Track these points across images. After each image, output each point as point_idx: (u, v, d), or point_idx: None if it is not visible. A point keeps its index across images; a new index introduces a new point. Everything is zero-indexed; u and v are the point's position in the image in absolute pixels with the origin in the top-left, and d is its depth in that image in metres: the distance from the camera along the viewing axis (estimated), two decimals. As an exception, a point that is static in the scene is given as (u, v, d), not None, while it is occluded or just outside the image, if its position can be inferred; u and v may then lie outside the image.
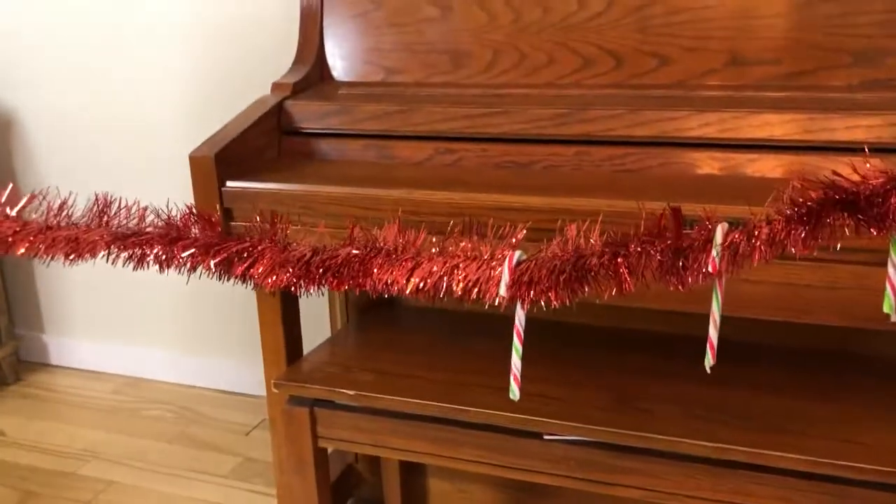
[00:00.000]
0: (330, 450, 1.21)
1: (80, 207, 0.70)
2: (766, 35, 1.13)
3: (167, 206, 0.72)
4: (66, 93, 1.98)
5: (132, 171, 1.94)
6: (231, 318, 2.01)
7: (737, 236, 0.56)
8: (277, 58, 1.55)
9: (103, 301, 2.15)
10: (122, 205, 0.68)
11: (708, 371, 0.61)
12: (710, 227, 0.57)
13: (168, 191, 0.99)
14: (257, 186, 1.11)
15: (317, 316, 1.52)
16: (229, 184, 1.12)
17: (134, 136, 1.94)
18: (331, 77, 1.35)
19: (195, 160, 1.11)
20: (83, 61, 1.94)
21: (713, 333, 0.60)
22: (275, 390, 1.13)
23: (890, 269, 0.56)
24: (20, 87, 2.02)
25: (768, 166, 1.03)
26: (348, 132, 1.22)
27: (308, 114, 1.24)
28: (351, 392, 1.08)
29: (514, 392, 0.63)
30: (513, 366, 0.63)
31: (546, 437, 1.03)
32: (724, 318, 0.90)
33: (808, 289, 0.91)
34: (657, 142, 1.08)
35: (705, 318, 1.23)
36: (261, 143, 1.21)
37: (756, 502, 0.94)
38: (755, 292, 0.94)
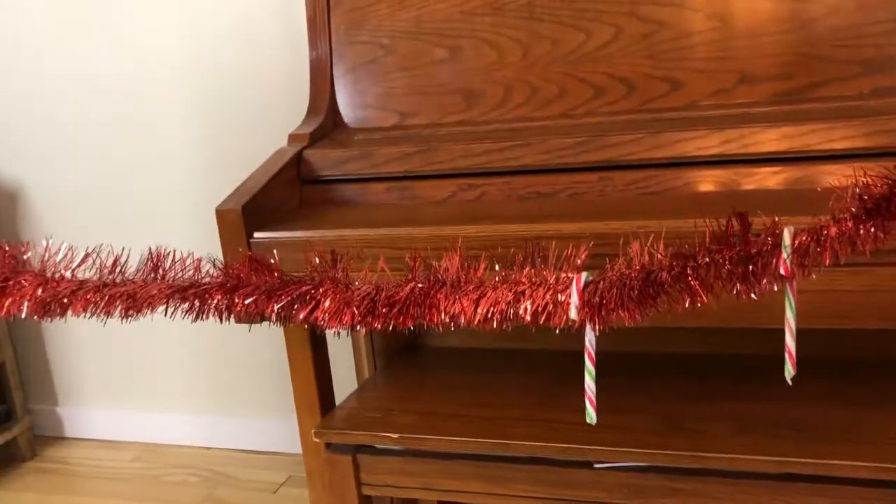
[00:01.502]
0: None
1: (131, 263, 0.70)
2: (774, 52, 1.15)
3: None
4: (74, 163, 1.98)
5: (145, 235, 1.94)
6: (249, 376, 2.00)
7: (805, 238, 0.56)
8: (284, 111, 1.58)
9: (116, 368, 2.13)
10: (176, 257, 0.67)
11: (789, 382, 0.60)
12: (776, 232, 0.57)
13: (189, 243, 0.99)
14: (286, 235, 1.11)
15: (341, 367, 1.51)
16: (257, 235, 1.12)
17: (145, 200, 1.95)
18: (344, 125, 1.36)
19: (222, 213, 1.11)
20: (90, 133, 1.95)
21: (790, 342, 0.59)
22: (315, 439, 1.12)
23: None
24: (26, 158, 2.03)
25: (792, 178, 1.04)
26: (369, 176, 1.23)
27: (328, 161, 1.24)
28: (395, 435, 1.07)
29: (591, 415, 0.63)
30: (587, 388, 0.63)
31: (596, 465, 1.02)
32: (767, 333, 0.91)
33: (849, 294, 0.91)
34: (679, 162, 1.09)
35: (739, 337, 1.23)
36: (284, 194, 1.21)
37: (819, 514, 0.93)
38: (797, 302, 0.94)
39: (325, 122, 1.34)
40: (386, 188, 1.23)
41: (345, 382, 1.42)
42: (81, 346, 2.14)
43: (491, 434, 1.05)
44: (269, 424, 1.99)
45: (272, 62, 1.73)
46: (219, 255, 1.15)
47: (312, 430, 1.13)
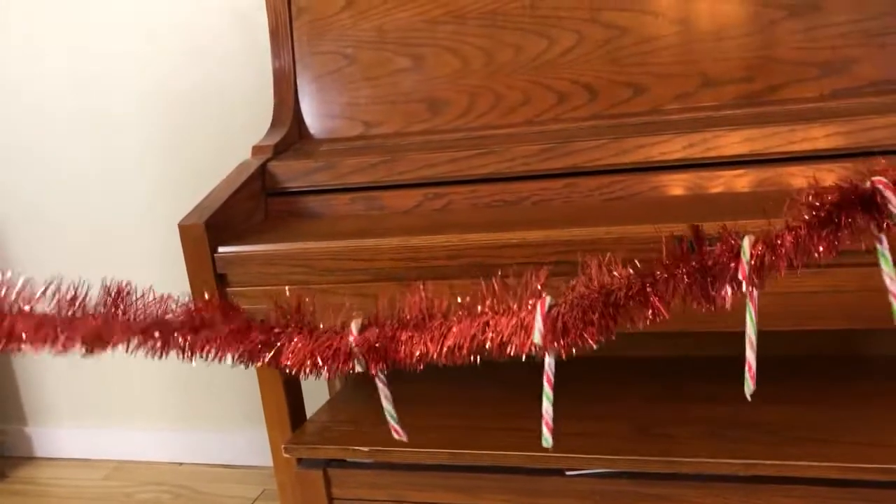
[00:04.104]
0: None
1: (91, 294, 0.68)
2: (734, 56, 1.16)
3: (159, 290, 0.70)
4: (39, 171, 1.95)
5: (107, 254, 1.91)
6: (220, 390, 1.97)
7: (761, 248, 0.56)
8: (248, 123, 1.56)
9: (85, 386, 2.09)
10: (138, 294, 0.65)
11: (748, 398, 0.60)
12: (732, 242, 0.57)
13: (156, 266, 0.97)
14: (250, 249, 1.10)
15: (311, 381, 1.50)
16: (221, 249, 1.11)
17: (105, 218, 1.91)
18: (309, 136, 1.35)
19: (185, 229, 1.10)
20: (58, 142, 1.92)
21: (750, 355, 0.59)
22: (285, 455, 1.10)
23: (886, 280, 0.57)
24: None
25: (756, 180, 1.05)
26: (334, 187, 1.22)
27: (292, 173, 1.23)
28: (366, 449, 1.06)
29: (547, 439, 0.62)
30: (544, 412, 0.62)
31: (568, 472, 1.02)
32: (727, 336, 0.91)
33: (813, 295, 0.92)
34: (643, 167, 1.10)
35: (710, 339, 1.23)
36: (248, 207, 1.20)
37: (788, 515, 0.94)
38: (760, 304, 0.94)
39: (290, 134, 1.33)
40: (351, 199, 1.22)
41: (316, 392, 1.40)
42: (49, 364, 2.10)
43: (461, 444, 1.04)
44: (242, 438, 1.96)
45: (234, 74, 1.72)
46: (184, 271, 1.14)
47: (283, 446, 1.12)
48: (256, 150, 1.28)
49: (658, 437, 1.01)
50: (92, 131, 1.87)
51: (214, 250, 1.11)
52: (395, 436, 0.67)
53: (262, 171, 1.24)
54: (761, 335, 0.99)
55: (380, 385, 0.65)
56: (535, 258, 0.97)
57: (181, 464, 2.03)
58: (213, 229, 1.11)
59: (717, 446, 0.97)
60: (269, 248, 1.09)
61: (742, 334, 0.79)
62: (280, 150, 1.28)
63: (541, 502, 1.03)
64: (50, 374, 2.11)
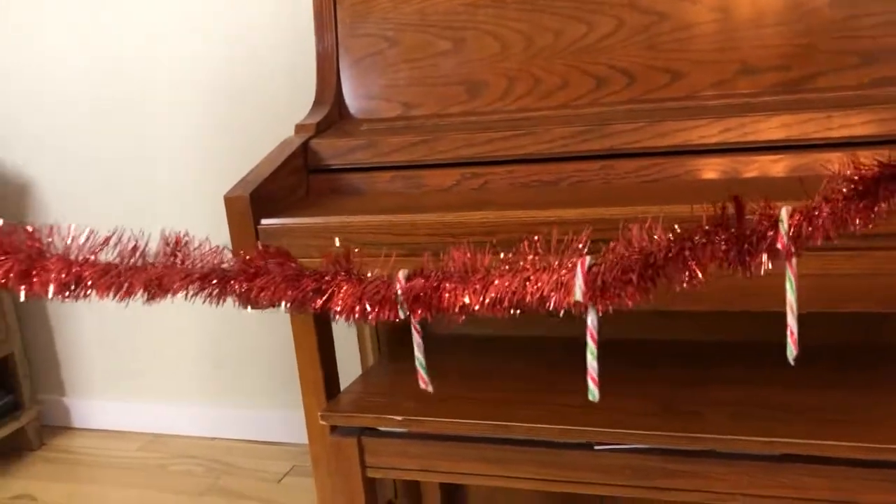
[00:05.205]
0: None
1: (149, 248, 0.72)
2: (773, 43, 1.17)
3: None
4: (81, 154, 2.00)
5: (151, 225, 1.95)
6: (253, 367, 2.02)
7: (798, 217, 0.58)
8: (289, 103, 1.59)
9: (122, 360, 2.15)
10: (196, 244, 0.69)
11: (791, 362, 0.62)
12: (771, 213, 0.59)
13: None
14: (292, 221, 1.13)
15: (345, 357, 1.53)
16: (264, 221, 1.14)
17: (151, 191, 1.97)
18: (350, 115, 1.38)
19: (230, 201, 1.13)
20: (98, 125, 1.97)
21: (792, 322, 0.61)
22: (321, 422, 1.14)
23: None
24: (35, 151, 2.05)
25: (792, 165, 1.06)
26: (375, 165, 1.25)
27: (334, 151, 1.26)
28: (399, 418, 1.09)
29: (594, 392, 0.64)
30: (589, 367, 0.64)
31: (597, 447, 1.04)
32: (764, 321, 0.92)
33: (846, 278, 0.93)
34: (680, 151, 1.11)
35: (741, 324, 1.24)
36: (291, 182, 1.23)
37: (815, 495, 0.95)
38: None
39: (331, 113, 1.36)
40: (391, 177, 1.24)
41: (349, 371, 1.44)
42: (88, 337, 2.16)
43: (492, 416, 1.07)
44: (273, 415, 2.01)
45: (277, 55, 1.75)
46: (225, 243, 1.18)
47: (318, 413, 1.15)
48: (299, 128, 1.31)
49: (687, 416, 1.03)
50: (138, 112, 1.92)
51: (258, 223, 1.14)
52: (422, 384, 0.70)
53: (305, 148, 1.28)
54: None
55: (414, 334, 0.67)
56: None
57: (213, 438, 2.08)
58: (257, 202, 1.14)
59: (745, 425, 0.98)
60: (311, 221, 1.12)
61: (769, 319, 0.81)
62: (322, 128, 1.31)
63: (569, 475, 1.05)
64: (88, 347, 2.17)
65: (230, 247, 0.98)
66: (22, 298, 0.72)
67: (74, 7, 1.91)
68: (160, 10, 1.84)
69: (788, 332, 0.62)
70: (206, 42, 1.82)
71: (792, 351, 0.62)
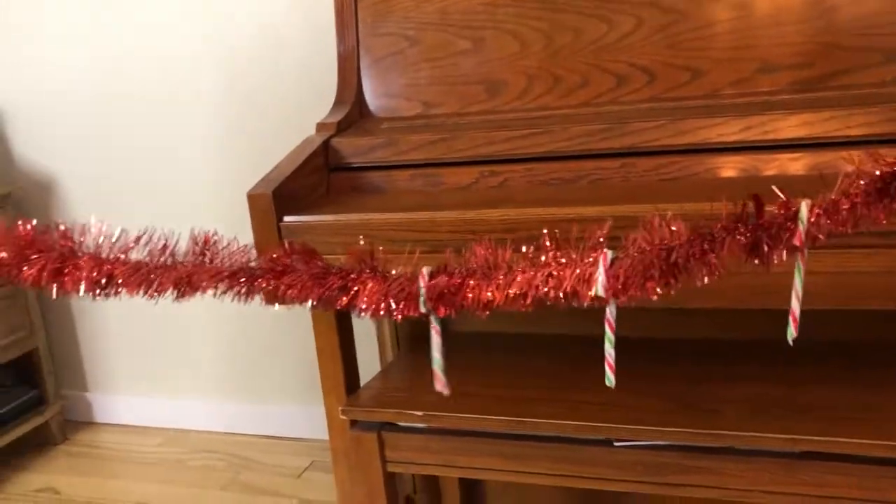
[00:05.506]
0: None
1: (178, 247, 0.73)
2: (793, 41, 1.17)
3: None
4: (105, 154, 2.03)
5: (173, 224, 1.98)
6: (273, 363, 2.04)
7: (819, 211, 0.58)
8: (310, 102, 1.61)
9: (144, 356, 2.18)
10: (224, 244, 0.70)
11: (790, 343, 0.62)
12: (792, 207, 0.59)
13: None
14: (314, 219, 1.14)
15: (364, 354, 1.54)
16: (287, 219, 1.15)
17: (173, 190, 1.99)
18: (370, 114, 1.39)
19: (253, 198, 1.15)
20: (121, 123, 2.00)
21: (795, 305, 0.62)
22: (342, 416, 1.15)
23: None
24: (59, 150, 2.08)
25: (812, 163, 1.06)
26: (395, 163, 1.26)
27: (355, 149, 1.28)
28: (419, 413, 1.10)
29: (610, 379, 0.65)
30: (606, 354, 0.65)
31: (616, 443, 1.05)
32: (773, 317, 0.92)
33: (863, 276, 0.93)
34: (700, 149, 1.11)
35: (759, 322, 1.24)
36: (312, 181, 1.25)
37: (834, 492, 0.95)
38: (809, 283, 0.96)
39: (352, 112, 1.37)
40: (411, 175, 1.26)
41: (368, 368, 1.45)
42: (111, 334, 2.19)
43: (512, 412, 1.07)
44: (293, 411, 2.03)
45: (299, 54, 1.77)
46: (247, 241, 1.19)
47: (339, 408, 1.16)
48: (320, 126, 1.33)
49: (706, 413, 1.03)
50: (157, 112, 1.95)
51: (280, 219, 1.16)
52: (438, 385, 0.71)
53: (326, 147, 1.29)
54: (813, 317, 1.00)
55: (433, 334, 0.68)
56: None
57: (234, 434, 2.10)
58: (279, 199, 1.16)
59: (764, 423, 0.98)
60: (333, 219, 1.13)
61: (787, 318, 0.81)
62: (343, 127, 1.33)
63: (587, 471, 1.06)
64: (111, 343, 2.20)
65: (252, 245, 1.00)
66: (54, 296, 0.74)
67: (89, 8, 1.94)
68: (181, 10, 1.86)
69: (791, 315, 0.62)
70: (227, 42, 1.84)
71: (792, 333, 0.63)
